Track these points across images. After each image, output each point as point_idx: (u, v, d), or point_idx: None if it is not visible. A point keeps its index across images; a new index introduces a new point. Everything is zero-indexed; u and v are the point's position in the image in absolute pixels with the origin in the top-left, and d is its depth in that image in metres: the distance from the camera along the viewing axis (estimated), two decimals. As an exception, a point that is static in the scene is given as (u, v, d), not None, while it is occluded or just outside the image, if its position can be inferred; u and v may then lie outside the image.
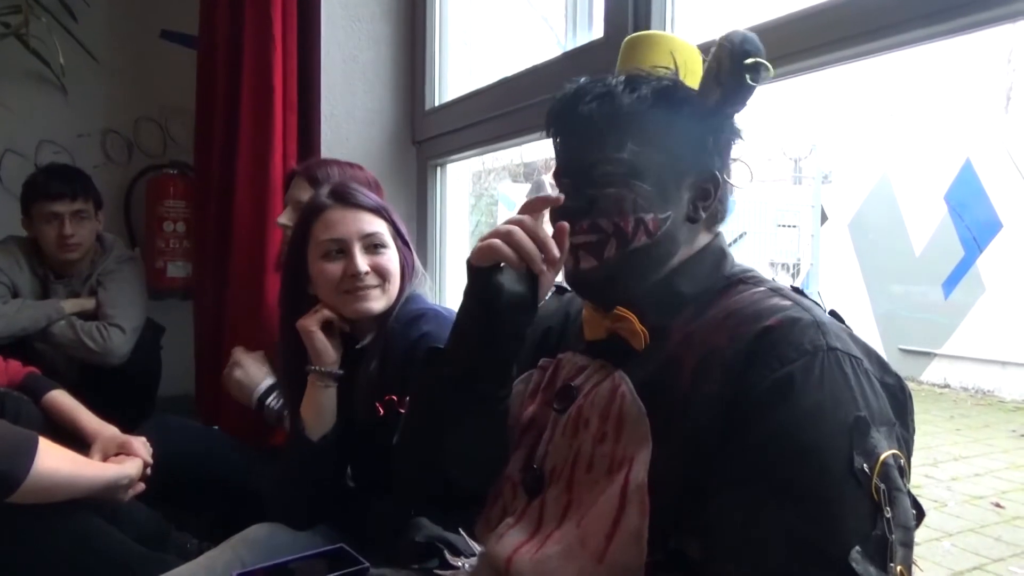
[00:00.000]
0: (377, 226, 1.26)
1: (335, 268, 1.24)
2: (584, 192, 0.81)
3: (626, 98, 0.80)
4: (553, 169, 0.89)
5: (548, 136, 0.89)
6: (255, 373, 1.68)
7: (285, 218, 1.61)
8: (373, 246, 1.25)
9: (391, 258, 1.26)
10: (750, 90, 0.79)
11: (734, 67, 0.77)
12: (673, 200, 0.81)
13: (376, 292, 1.25)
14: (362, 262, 1.22)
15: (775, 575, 0.65)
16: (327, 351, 1.25)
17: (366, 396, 1.26)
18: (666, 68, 0.84)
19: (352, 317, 1.26)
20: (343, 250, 1.24)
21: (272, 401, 1.65)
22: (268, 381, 1.68)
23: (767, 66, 0.77)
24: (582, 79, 0.84)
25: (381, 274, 1.25)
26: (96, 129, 2.83)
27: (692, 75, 0.85)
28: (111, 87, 2.83)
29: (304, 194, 1.63)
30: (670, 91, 0.81)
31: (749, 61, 0.76)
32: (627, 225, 0.80)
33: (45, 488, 1.25)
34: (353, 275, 1.22)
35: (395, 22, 2.18)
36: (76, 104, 2.76)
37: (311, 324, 1.25)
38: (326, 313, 1.25)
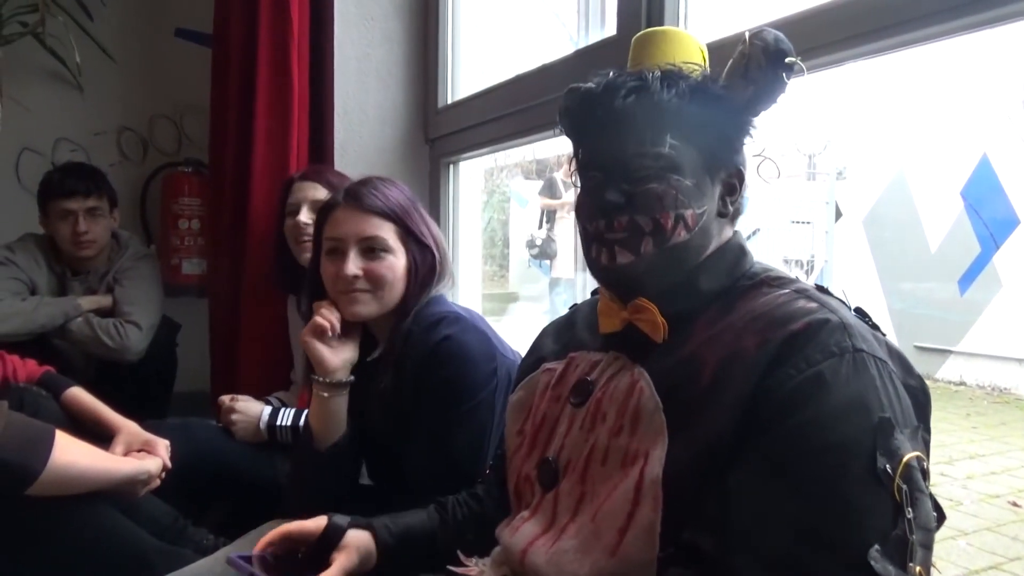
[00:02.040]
0: (379, 230, 1.23)
1: (331, 268, 1.23)
2: (620, 187, 0.81)
3: (664, 93, 0.79)
4: (577, 162, 0.88)
5: (570, 129, 0.88)
6: (251, 410, 1.71)
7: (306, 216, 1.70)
8: (371, 250, 1.23)
9: (390, 265, 1.23)
10: (784, 88, 0.80)
11: (770, 65, 0.78)
12: (708, 195, 0.82)
13: (366, 297, 1.23)
14: (352, 266, 1.21)
15: (789, 568, 0.66)
16: (325, 361, 1.23)
17: (380, 409, 1.26)
18: (697, 64, 0.85)
19: (346, 318, 1.24)
20: (340, 250, 1.23)
21: (281, 421, 1.68)
22: (267, 409, 1.71)
23: (801, 65, 0.79)
24: (610, 72, 0.84)
25: (373, 280, 1.22)
26: (112, 127, 2.86)
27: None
28: (127, 85, 2.85)
29: (312, 192, 1.71)
30: (705, 87, 0.82)
31: (788, 60, 0.78)
32: (667, 221, 0.80)
33: (62, 481, 1.26)
34: (343, 277, 1.21)
35: (407, 20, 2.19)
36: (92, 102, 2.79)
37: (305, 334, 1.24)
38: (318, 320, 1.22)
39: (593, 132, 0.85)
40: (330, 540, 0.97)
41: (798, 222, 7.89)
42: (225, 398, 1.76)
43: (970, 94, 6.56)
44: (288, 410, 1.71)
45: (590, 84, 0.84)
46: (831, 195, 7.98)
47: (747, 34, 0.80)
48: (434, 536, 1.05)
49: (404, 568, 1.01)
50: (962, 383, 6.61)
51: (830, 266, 7.88)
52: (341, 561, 0.95)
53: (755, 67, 0.79)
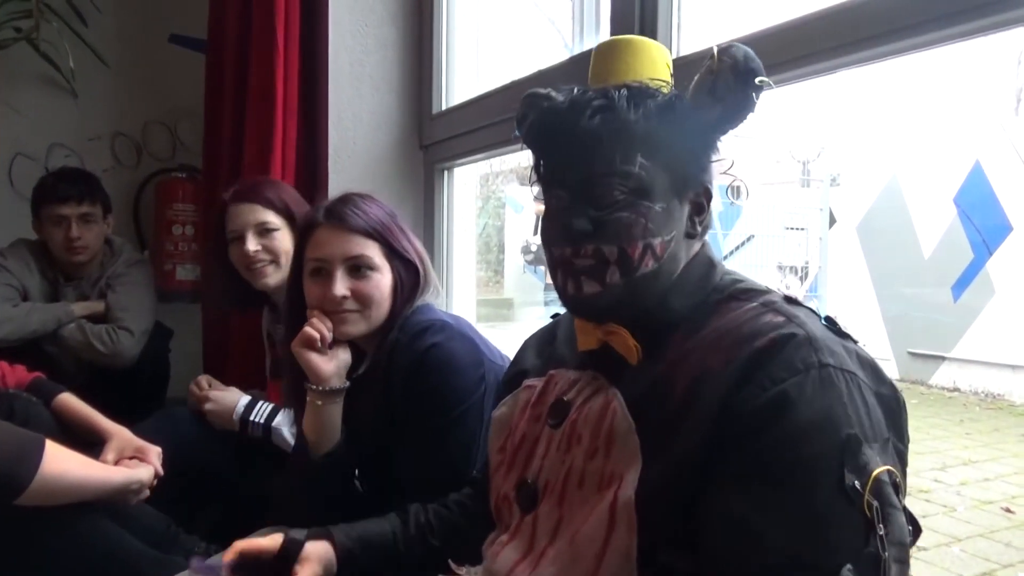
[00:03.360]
0: (365, 248, 1.22)
1: (317, 288, 1.23)
2: (587, 213, 0.78)
3: (632, 113, 0.77)
4: (538, 175, 0.85)
5: (529, 139, 0.86)
6: (226, 399, 1.69)
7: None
8: (356, 268, 1.22)
9: (377, 283, 1.23)
10: (753, 107, 0.78)
11: (739, 85, 0.76)
12: (676, 218, 0.80)
13: (355, 316, 1.22)
14: (341, 286, 1.20)
15: None
16: (318, 369, 1.22)
17: (371, 420, 1.25)
18: (663, 81, 0.83)
19: (336, 337, 1.24)
20: (326, 271, 1.22)
21: (255, 416, 1.65)
22: (244, 400, 1.69)
23: (771, 83, 0.77)
24: (574, 89, 0.81)
25: (361, 299, 1.22)
26: (106, 132, 2.85)
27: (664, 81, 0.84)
28: (121, 91, 2.85)
29: (252, 216, 1.63)
30: (672, 106, 0.79)
31: (758, 80, 0.76)
32: (634, 252, 0.77)
33: (52, 491, 1.25)
34: (331, 298, 1.21)
35: (402, 26, 2.19)
36: (86, 108, 2.78)
37: (296, 345, 1.23)
38: (308, 331, 1.21)
39: (557, 149, 0.82)
40: (289, 555, 0.97)
41: (792, 228, 7.92)
42: (202, 380, 1.74)
43: (963, 102, 6.60)
44: (265, 405, 1.68)
45: (554, 97, 0.82)
46: (825, 201, 8.02)
47: (715, 49, 0.78)
48: (394, 539, 1.04)
49: (368, 573, 1.01)
50: (956, 389, 6.64)
51: (824, 272, 7.91)
52: (307, 572, 0.96)
53: (723, 85, 0.77)
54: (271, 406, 1.69)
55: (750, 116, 0.79)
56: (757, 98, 0.77)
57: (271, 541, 0.99)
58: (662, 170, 0.78)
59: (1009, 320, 6.24)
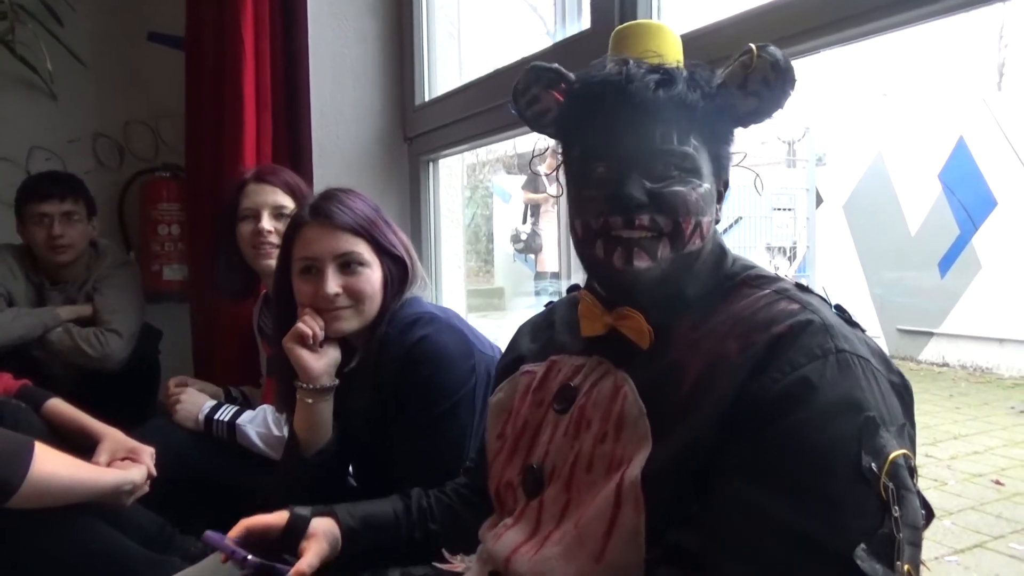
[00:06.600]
0: (354, 245, 1.22)
1: (308, 287, 1.22)
2: (641, 183, 0.77)
3: (691, 93, 0.77)
4: (567, 155, 0.84)
5: (570, 116, 0.84)
6: (195, 399, 1.71)
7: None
8: (347, 265, 1.22)
9: (367, 279, 1.23)
10: (784, 104, 0.79)
11: (779, 82, 0.77)
12: (714, 201, 0.82)
13: (348, 313, 1.23)
14: (332, 284, 1.20)
15: (776, 571, 0.66)
16: (308, 367, 1.22)
17: (363, 415, 1.26)
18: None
19: (329, 335, 1.24)
20: (317, 269, 1.22)
21: (220, 415, 1.66)
22: (210, 403, 1.70)
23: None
24: (629, 62, 0.78)
25: (353, 296, 1.22)
26: (87, 134, 2.81)
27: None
28: (100, 91, 2.81)
29: (272, 197, 1.65)
30: (722, 93, 0.79)
31: (795, 78, 0.77)
32: (688, 226, 0.77)
33: (43, 493, 1.25)
34: (323, 296, 1.21)
35: (381, 18, 2.17)
36: (66, 109, 2.75)
37: (288, 341, 1.23)
38: (300, 327, 1.21)
39: (607, 118, 0.79)
40: (296, 531, 0.98)
41: (780, 209, 7.96)
42: (172, 382, 1.75)
43: (946, 77, 6.62)
44: (229, 407, 1.69)
45: (604, 72, 0.80)
46: (811, 181, 8.06)
47: (754, 47, 0.77)
48: (397, 520, 1.05)
49: (369, 553, 1.01)
50: (944, 364, 6.70)
51: (812, 252, 7.96)
52: (315, 548, 0.96)
53: (758, 80, 0.77)
54: (235, 408, 1.69)
55: (777, 113, 0.80)
56: (791, 95, 0.79)
57: (277, 517, 0.99)
58: (708, 152, 0.80)
59: (995, 294, 6.29)
